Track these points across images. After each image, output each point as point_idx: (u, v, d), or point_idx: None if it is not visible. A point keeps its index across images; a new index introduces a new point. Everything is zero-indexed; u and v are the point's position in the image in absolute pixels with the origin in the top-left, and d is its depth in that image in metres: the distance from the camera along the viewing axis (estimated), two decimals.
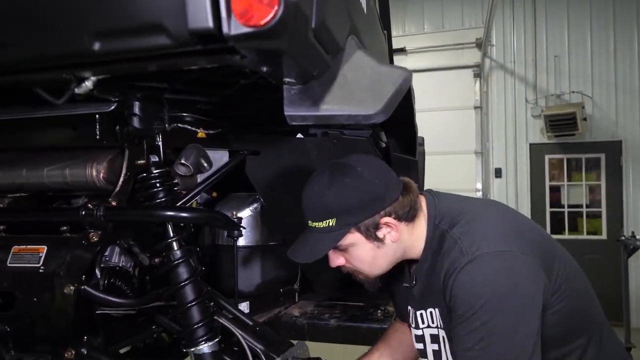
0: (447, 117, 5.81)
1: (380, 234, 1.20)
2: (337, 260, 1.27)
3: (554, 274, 1.14)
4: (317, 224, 1.19)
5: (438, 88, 5.75)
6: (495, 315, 1.05)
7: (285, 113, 1.00)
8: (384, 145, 1.93)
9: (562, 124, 5.30)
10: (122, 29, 0.79)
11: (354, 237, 1.20)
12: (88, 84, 0.95)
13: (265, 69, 0.90)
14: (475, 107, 5.82)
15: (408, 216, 1.22)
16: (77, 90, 0.96)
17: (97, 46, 0.81)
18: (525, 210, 5.74)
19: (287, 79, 0.99)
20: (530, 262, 1.09)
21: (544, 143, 5.71)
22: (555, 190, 5.79)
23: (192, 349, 1.35)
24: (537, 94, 5.68)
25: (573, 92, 5.56)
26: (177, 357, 1.84)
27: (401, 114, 1.53)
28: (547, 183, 5.75)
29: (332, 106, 1.02)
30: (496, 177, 5.84)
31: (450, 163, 5.83)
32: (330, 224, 1.18)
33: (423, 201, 1.27)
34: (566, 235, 5.67)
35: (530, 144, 5.76)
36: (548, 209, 5.74)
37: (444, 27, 5.86)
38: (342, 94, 1.03)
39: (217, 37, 0.76)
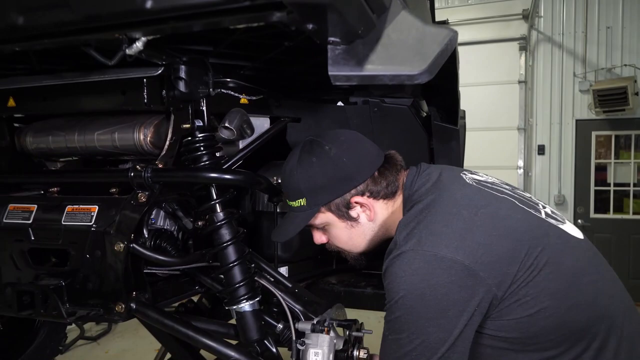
0: (490, 92, 5.62)
1: (353, 213, 1.19)
2: (319, 238, 1.30)
3: (517, 279, 1.01)
4: (291, 203, 1.21)
5: (481, 62, 5.56)
6: (407, 313, 1.00)
7: (329, 73, 1.00)
8: (425, 114, 1.91)
9: (611, 99, 5.05)
10: None
11: (326, 217, 1.20)
12: (138, 45, 0.98)
13: (310, 26, 0.90)
14: (520, 82, 5.60)
15: (387, 193, 1.19)
16: (127, 51, 0.99)
17: (149, 4, 0.83)
18: (569, 188, 5.55)
19: (331, 38, 0.98)
20: (458, 268, 0.98)
21: (591, 119, 5.46)
22: (601, 169, 5.55)
23: (234, 307, 1.41)
24: (586, 67, 5.40)
25: (625, 65, 5.27)
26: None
27: (445, 79, 1.51)
28: (593, 161, 5.53)
29: (376, 66, 1.01)
30: (539, 154, 5.64)
31: (492, 139, 5.66)
32: (302, 204, 1.19)
33: (404, 177, 1.22)
34: (611, 215, 5.46)
35: (577, 120, 5.53)
36: (593, 188, 5.53)
37: None
38: (387, 53, 1.02)
39: None
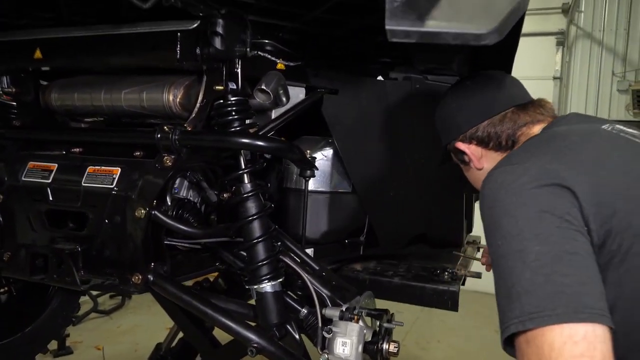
0: None
1: (465, 157, 1.24)
2: None
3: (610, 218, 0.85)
4: None
5: (515, 55, 5.37)
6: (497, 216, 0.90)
7: (387, 27, 0.89)
8: None
9: None
10: None
11: (453, 155, 1.31)
12: None
13: None
14: (555, 78, 5.40)
15: (499, 145, 1.16)
16: None
17: None
18: None
19: None
20: (538, 172, 0.88)
21: (628, 120, 5.25)
22: None
23: (255, 287, 1.31)
24: (626, 66, 5.18)
25: None
26: None
27: (501, 53, 1.39)
28: None
29: (439, 22, 0.90)
30: None
31: None
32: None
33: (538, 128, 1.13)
34: None
35: (613, 121, 5.33)
36: None
37: None
38: (451, 8, 0.91)
39: None
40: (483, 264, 1.64)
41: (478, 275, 1.81)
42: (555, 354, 0.74)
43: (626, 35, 5.18)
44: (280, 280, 1.33)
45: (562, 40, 5.35)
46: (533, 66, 5.43)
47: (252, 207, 1.31)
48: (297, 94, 1.55)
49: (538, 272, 0.79)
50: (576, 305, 0.76)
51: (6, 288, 1.84)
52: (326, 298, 1.37)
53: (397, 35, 0.90)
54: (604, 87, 5.29)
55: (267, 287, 1.31)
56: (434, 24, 0.90)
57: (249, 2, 1.14)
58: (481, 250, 2.19)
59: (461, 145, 1.22)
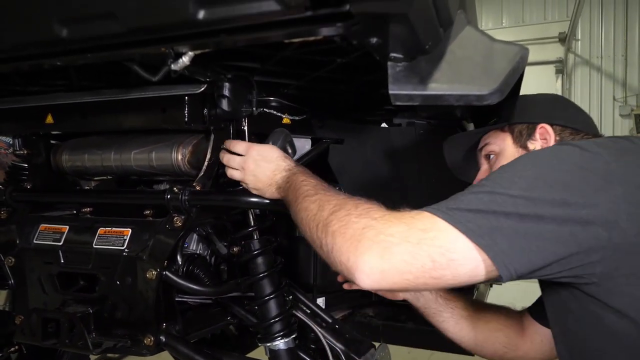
0: None
1: (534, 139, 1.18)
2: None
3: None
4: None
5: None
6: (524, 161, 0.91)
7: (390, 92, 0.91)
8: None
9: None
10: None
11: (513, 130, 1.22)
12: (185, 60, 0.91)
13: (374, 40, 0.82)
14: None
15: None
16: (173, 67, 0.93)
17: (201, 14, 0.75)
18: None
19: (392, 54, 0.90)
20: (599, 158, 0.85)
21: None
22: None
23: (268, 344, 1.31)
24: (626, 91, 5.23)
25: None
26: (243, 350, 1.81)
27: (509, 96, 1.41)
28: None
29: (442, 85, 0.92)
30: None
31: None
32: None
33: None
34: None
35: None
36: None
37: (524, 21, 5.53)
38: (452, 71, 0.93)
39: (332, 1, 0.69)
40: None
41: None
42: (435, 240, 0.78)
43: (624, 61, 5.25)
44: (294, 336, 1.32)
45: (561, 68, 5.42)
46: None
47: (261, 264, 1.32)
48: (303, 145, 1.56)
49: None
50: (504, 248, 0.77)
51: (17, 347, 1.83)
52: (340, 353, 1.35)
53: (401, 99, 0.92)
54: (606, 112, 5.33)
55: (280, 344, 1.30)
56: (436, 87, 0.92)
57: (254, 67, 1.17)
58: (493, 285, 2.16)
59: (548, 128, 1.15)
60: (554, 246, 0.78)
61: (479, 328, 1.33)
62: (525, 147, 1.16)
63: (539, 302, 1.26)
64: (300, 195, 1.01)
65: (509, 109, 1.21)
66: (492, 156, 1.22)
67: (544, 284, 1.00)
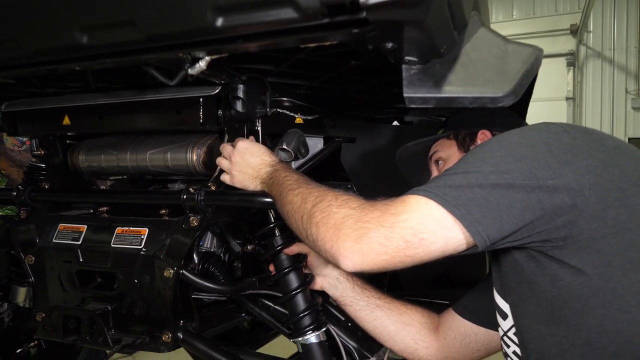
0: (536, 109, 5.39)
1: (477, 143, 1.24)
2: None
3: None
4: None
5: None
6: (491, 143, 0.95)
7: (405, 95, 0.92)
8: None
9: None
10: (247, 1, 0.74)
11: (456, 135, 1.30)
12: (202, 64, 0.93)
13: (390, 45, 0.83)
14: (568, 99, 5.40)
15: None
16: (190, 71, 0.94)
17: (219, 22, 0.77)
18: None
19: (407, 58, 0.91)
20: (565, 134, 0.90)
21: None
22: None
23: (299, 339, 1.30)
24: (639, 84, 5.17)
25: None
26: (254, 344, 1.84)
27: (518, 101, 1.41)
28: None
29: (456, 87, 0.93)
30: None
31: None
32: None
33: None
34: None
35: (629, 139, 5.28)
36: None
37: (535, 14, 5.47)
38: (466, 73, 0.94)
39: (349, 8, 0.70)
40: None
41: None
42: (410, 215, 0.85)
43: (637, 53, 5.18)
44: (324, 329, 1.31)
45: (573, 60, 5.37)
46: (545, 88, 5.45)
47: (286, 259, 1.32)
48: (316, 144, 1.58)
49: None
50: (477, 217, 0.83)
51: (36, 342, 1.87)
52: (353, 351, 1.37)
53: (415, 102, 0.93)
54: (619, 105, 5.27)
55: (312, 337, 1.28)
56: (450, 89, 0.92)
57: (269, 69, 1.18)
58: None
59: (487, 133, 1.24)
60: (523, 213, 0.84)
61: (392, 319, 1.33)
62: (468, 151, 1.24)
63: (467, 298, 1.32)
64: (285, 190, 1.09)
65: (456, 119, 1.32)
66: (440, 162, 1.31)
67: (501, 256, 1.03)
